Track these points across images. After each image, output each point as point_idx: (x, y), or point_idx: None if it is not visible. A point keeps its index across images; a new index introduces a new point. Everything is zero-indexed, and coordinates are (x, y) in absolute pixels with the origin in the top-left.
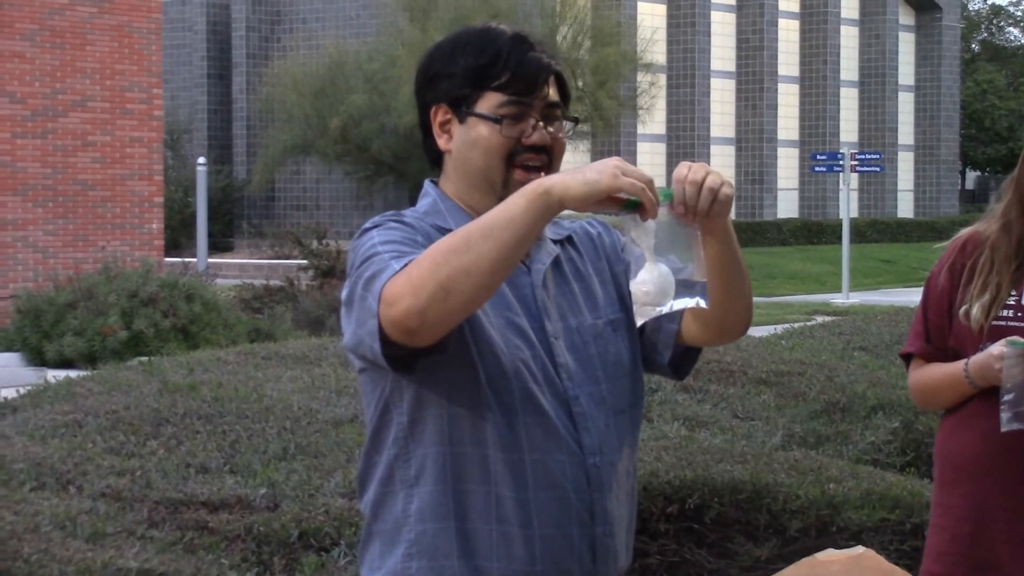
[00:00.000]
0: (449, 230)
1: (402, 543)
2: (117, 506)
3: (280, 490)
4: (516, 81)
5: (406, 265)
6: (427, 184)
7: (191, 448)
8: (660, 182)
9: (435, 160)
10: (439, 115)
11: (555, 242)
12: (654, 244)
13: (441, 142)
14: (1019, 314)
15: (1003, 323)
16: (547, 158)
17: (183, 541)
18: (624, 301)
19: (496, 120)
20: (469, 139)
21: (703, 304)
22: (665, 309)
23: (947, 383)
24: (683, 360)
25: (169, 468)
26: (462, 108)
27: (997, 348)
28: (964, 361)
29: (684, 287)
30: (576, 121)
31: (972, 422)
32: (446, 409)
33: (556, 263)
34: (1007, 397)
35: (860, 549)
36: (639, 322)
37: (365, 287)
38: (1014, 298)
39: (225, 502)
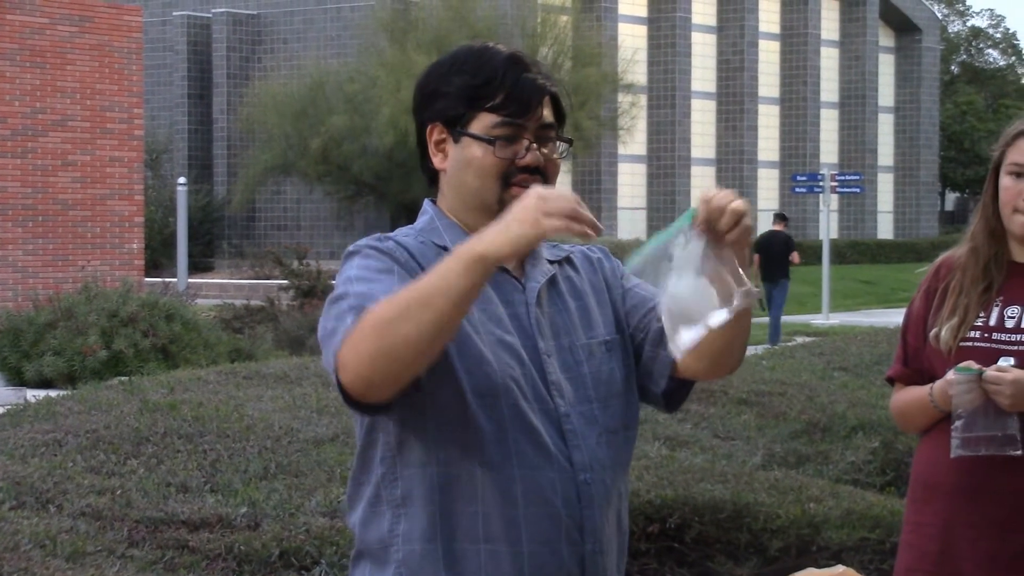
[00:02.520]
0: (444, 248)
1: (391, 563)
2: (97, 525)
3: (261, 509)
4: (510, 102)
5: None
6: (426, 202)
7: (171, 467)
8: (640, 202)
9: (432, 178)
10: (434, 134)
11: (552, 262)
12: (675, 264)
13: (436, 161)
14: (986, 335)
15: (970, 344)
16: (541, 179)
17: (163, 560)
18: (620, 324)
19: (489, 141)
20: (463, 159)
21: (750, 298)
22: (703, 326)
23: (917, 407)
24: (676, 392)
25: (149, 487)
26: (456, 128)
27: (951, 374)
28: (930, 385)
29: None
30: (570, 142)
31: (943, 442)
32: (432, 429)
33: (552, 281)
34: (957, 423)
35: (840, 568)
36: (679, 353)
37: (327, 339)
38: (982, 320)
39: (206, 521)
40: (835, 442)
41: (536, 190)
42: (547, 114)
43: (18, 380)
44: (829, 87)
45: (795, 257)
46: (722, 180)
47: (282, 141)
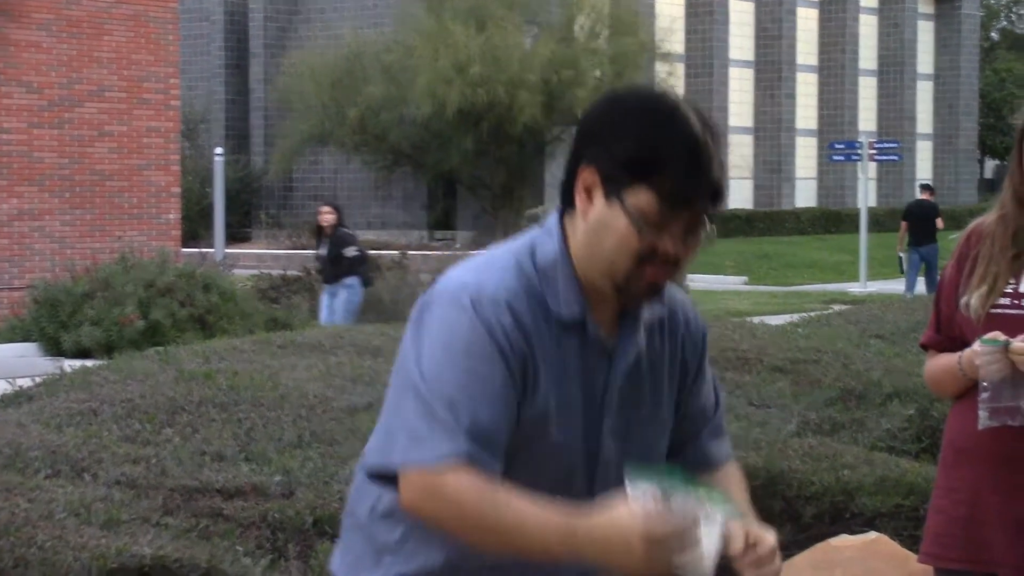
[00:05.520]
0: (557, 318)
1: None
2: (132, 493)
3: (295, 477)
4: (677, 194)
5: (444, 463)
6: (555, 221)
7: (206, 436)
8: None
9: (568, 201)
10: (586, 175)
11: (646, 322)
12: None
13: (580, 200)
14: (1016, 302)
15: (1000, 311)
16: (675, 266)
17: (198, 528)
18: (677, 403)
19: (639, 227)
20: (606, 222)
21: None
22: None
23: (948, 374)
24: None
25: (184, 456)
26: (611, 185)
27: (976, 344)
28: (959, 354)
29: None
30: (714, 221)
31: (974, 408)
32: None
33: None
34: (984, 395)
35: (874, 535)
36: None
37: (410, 438)
38: (1011, 287)
39: (240, 489)
40: (870, 409)
41: (643, 529)
42: (707, 204)
43: (55, 350)
44: (867, 55)
45: (939, 222)
46: (760, 149)
47: (319, 111)
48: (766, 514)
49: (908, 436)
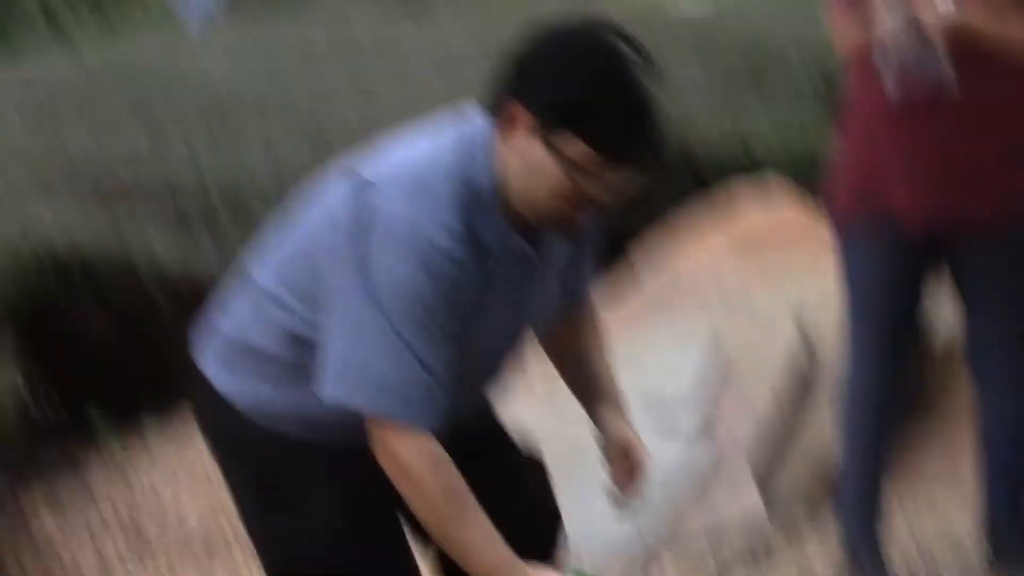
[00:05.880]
0: (481, 243)
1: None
2: (33, 166)
3: (199, 148)
4: (612, 149)
5: (422, 428)
6: (486, 141)
7: (111, 122)
8: None
9: (495, 109)
10: (517, 111)
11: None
12: None
13: (506, 131)
14: None
15: None
16: (598, 208)
17: (100, 197)
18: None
19: (571, 175)
20: (536, 164)
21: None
22: None
23: (852, 37)
24: None
25: (88, 135)
26: (542, 129)
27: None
28: (863, 18)
29: None
30: (648, 174)
31: (878, 75)
32: None
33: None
34: (890, 61)
35: (771, 179)
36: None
37: (386, 390)
38: None
39: (143, 159)
40: (772, 62)
41: None
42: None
43: None
44: None
45: None
46: None
47: None
48: (667, 168)
49: (808, 87)
